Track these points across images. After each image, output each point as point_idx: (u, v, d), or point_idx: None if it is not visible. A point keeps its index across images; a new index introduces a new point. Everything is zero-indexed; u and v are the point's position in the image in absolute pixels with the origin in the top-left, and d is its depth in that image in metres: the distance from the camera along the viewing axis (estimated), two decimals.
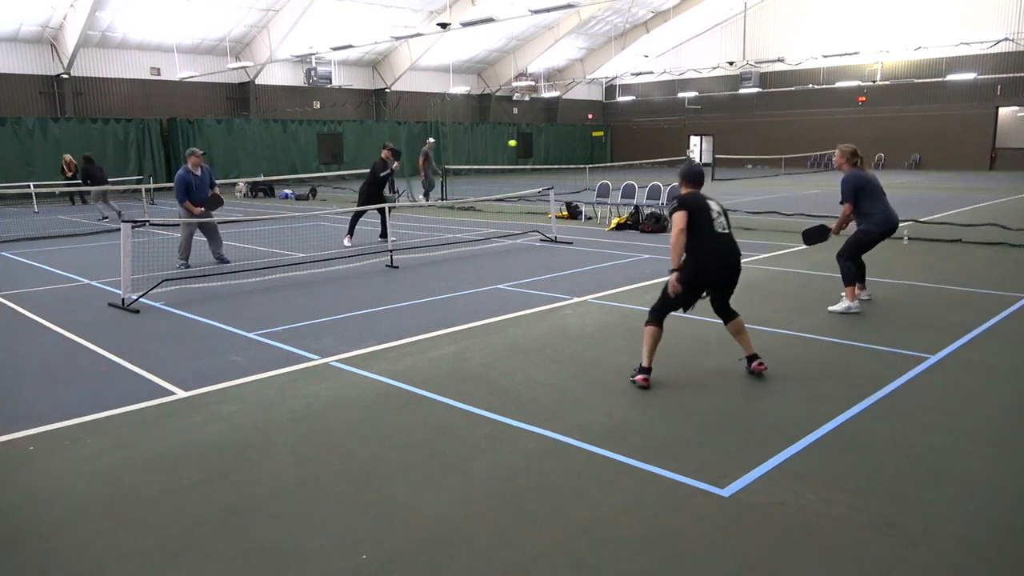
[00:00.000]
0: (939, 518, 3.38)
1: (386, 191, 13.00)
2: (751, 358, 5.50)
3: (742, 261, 5.53)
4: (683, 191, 5.59)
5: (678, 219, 5.30)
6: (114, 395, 5.19)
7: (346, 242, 12.53)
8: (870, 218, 7.17)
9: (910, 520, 3.36)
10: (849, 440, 4.24)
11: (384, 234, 12.79)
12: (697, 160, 41.07)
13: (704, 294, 5.56)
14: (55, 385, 5.45)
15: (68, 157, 22.39)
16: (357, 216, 12.82)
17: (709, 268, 5.40)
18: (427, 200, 20.74)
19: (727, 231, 5.47)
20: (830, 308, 7.23)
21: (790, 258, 10.57)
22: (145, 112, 30.23)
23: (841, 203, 7.21)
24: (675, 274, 5.24)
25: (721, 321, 5.65)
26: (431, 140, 22.81)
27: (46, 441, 4.42)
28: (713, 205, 5.47)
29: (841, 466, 3.90)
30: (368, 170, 13.20)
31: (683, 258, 5.30)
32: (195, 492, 3.75)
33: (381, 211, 12.09)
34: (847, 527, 3.30)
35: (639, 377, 5.32)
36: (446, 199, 21.17)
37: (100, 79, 29.84)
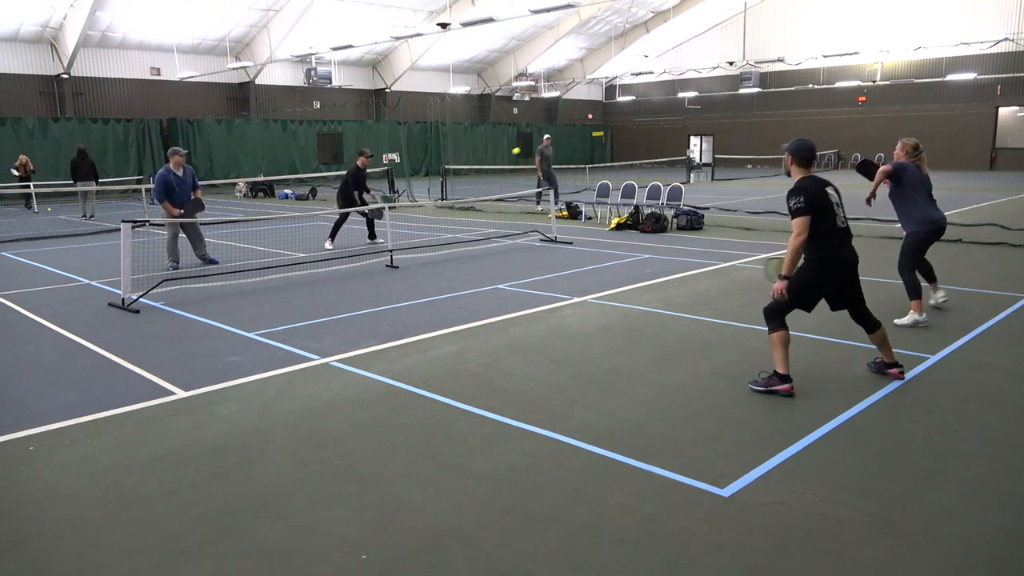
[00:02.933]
0: (939, 518, 3.38)
1: (368, 196, 12.86)
2: (892, 364, 5.18)
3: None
4: (797, 175, 4.92)
5: (801, 225, 4.70)
6: (114, 395, 5.19)
7: (327, 245, 12.47)
8: (911, 219, 6.94)
9: (910, 520, 3.36)
10: (849, 440, 4.24)
11: (372, 235, 12.84)
12: (697, 160, 41.06)
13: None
14: (55, 385, 5.45)
15: (24, 158, 21.32)
16: (341, 221, 12.81)
17: (835, 266, 4.89)
18: (537, 205, 18.00)
19: (847, 225, 4.95)
20: (896, 321, 6.74)
21: None
22: (145, 112, 30.24)
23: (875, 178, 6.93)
24: (783, 281, 4.83)
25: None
26: (548, 137, 19.74)
27: (46, 441, 4.42)
28: (832, 193, 4.88)
29: (841, 466, 3.90)
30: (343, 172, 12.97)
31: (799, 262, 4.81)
32: (195, 492, 3.75)
33: (363, 214, 12.65)
34: (847, 527, 3.30)
35: (782, 387, 4.93)
36: (446, 199, 21.15)
37: (100, 79, 29.86)
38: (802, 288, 4.92)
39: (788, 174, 5.10)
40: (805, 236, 4.76)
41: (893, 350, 5.31)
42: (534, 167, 19.10)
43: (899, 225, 7.23)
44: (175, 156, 10.41)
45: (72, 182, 19.23)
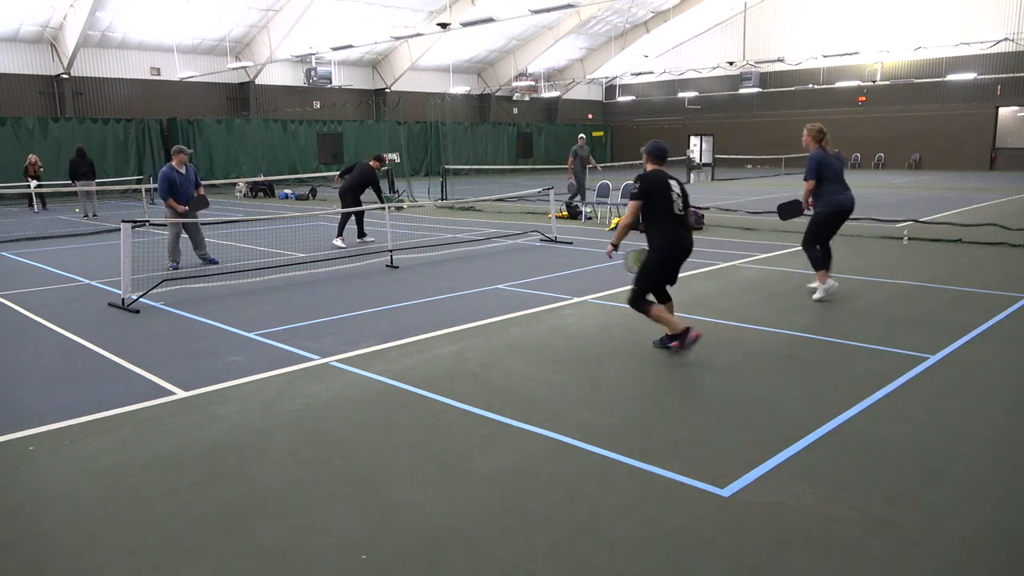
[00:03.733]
0: (939, 518, 3.38)
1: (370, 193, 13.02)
2: (685, 331, 5.75)
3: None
4: (648, 167, 5.88)
5: (633, 208, 5.75)
6: (114, 395, 5.19)
7: (339, 243, 12.56)
8: (818, 199, 7.44)
9: (910, 520, 3.36)
10: (849, 440, 4.24)
11: (362, 234, 13.03)
12: (697, 160, 41.08)
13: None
14: (55, 385, 5.45)
15: (33, 158, 21.26)
16: (347, 217, 12.88)
17: (676, 252, 5.82)
18: (575, 205, 16.70)
19: (683, 213, 5.83)
20: (814, 296, 7.55)
21: (790, 258, 10.56)
22: (145, 112, 30.23)
23: (804, 180, 7.56)
24: (612, 247, 5.91)
25: (673, 310, 6.05)
26: (583, 137, 18.75)
27: (46, 441, 4.42)
28: (674, 185, 5.79)
29: (841, 466, 3.90)
30: (348, 171, 13.05)
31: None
32: (195, 492, 3.75)
33: (359, 214, 12.84)
34: (847, 527, 3.30)
35: (693, 334, 5.65)
36: (446, 199, 21.15)
37: (100, 79, 29.85)
38: (655, 266, 5.83)
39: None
40: (635, 216, 5.76)
41: (891, 349, 5.31)
42: (534, 167, 18.99)
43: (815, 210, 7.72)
44: (179, 154, 10.44)
45: (71, 182, 19.30)
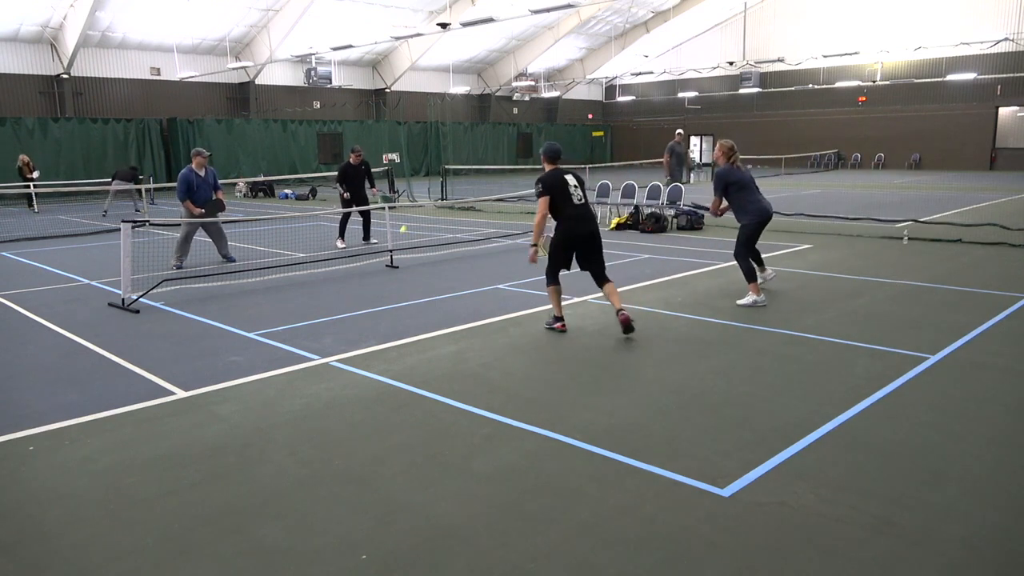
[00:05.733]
0: (939, 518, 3.38)
1: (370, 192, 13.00)
2: (619, 310, 6.46)
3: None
4: (546, 167, 6.63)
5: (542, 204, 6.48)
6: (114, 395, 5.19)
7: (340, 244, 12.57)
8: (745, 212, 7.83)
9: (910, 520, 3.36)
10: (849, 440, 4.24)
11: (367, 236, 13.00)
12: (696, 159, 41.05)
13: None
14: (55, 385, 5.45)
15: (25, 158, 21.49)
16: (347, 218, 12.89)
17: (574, 235, 6.53)
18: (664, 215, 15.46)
19: (583, 201, 6.58)
20: (738, 302, 7.69)
21: (790, 258, 10.56)
22: (145, 112, 30.23)
23: (714, 194, 7.99)
24: (533, 248, 6.63)
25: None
26: (680, 132, 17.28)
27: (46, 441, 4.42)
28: (570, 179, 6.60)
29: (841, 466, 3.90)
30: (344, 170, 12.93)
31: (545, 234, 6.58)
32: (195, 492, 3.75)
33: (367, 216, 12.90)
34: (847, 527, 3.30)
35: (558, 325, 6.67)
36: (446, 199, 21.15)
37: (100, 79, 29.84)
38: (555, 249, 6.65)
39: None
40: (544, 213, 6.48)
41: (891, 349, 5.31)
42: (534, 167, 18.82)
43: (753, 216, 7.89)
44: (197, 157, 10.59)
45: (108, 180, 20.33)
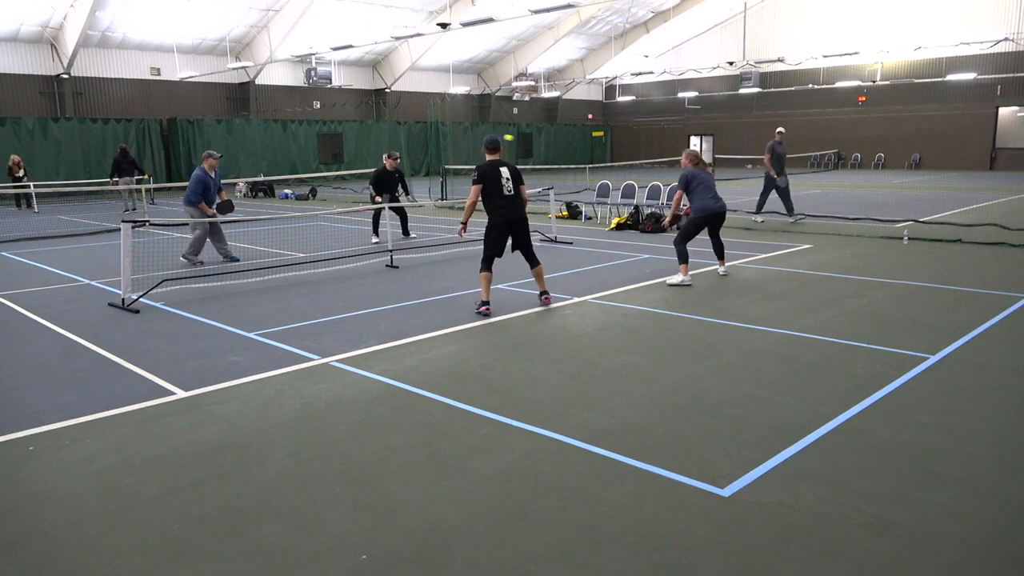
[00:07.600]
0: (939, 518, 3.38)
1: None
2: (543, 293, 7.60)
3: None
4: (487, 157, 7.40)
5: (474, 191, 7.32)
6: (114, 395, 5.19)
7: (376, 240, 12.87)
8: (693, 206, 9.12)
9: (910, 520, 3.36)
10: (849, 440, 4.24)
11: (406, 231, 13.54)
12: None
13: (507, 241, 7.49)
14: (55, 385, 5.45)
15: (16, 158, 21.49)
16: (380, 214, 13.09)
17: (501, 220, 7.34)
18: (791, 216, 14.93)
19: (512, 193, 7.35)
20: (667, 281, 8.79)
21: (790, 258, 10.56)
22: (145, 112, 30.23)
23: (677, 189, 9.30)
24: (462, 225, 7.52)
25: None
26: (781, 131, 15.50)
27: (46, 441, 4.42)
28: (504, 171, 7.33)
29: (841, 466, 3.90)
30: (373, 171, 13.49)
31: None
32: (195, 492, 3.75)
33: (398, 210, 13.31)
34: (847, 527, 3.30)
35: (483, 308, 7.24)
36: (446, 199, 21.14)
37: (100, 79, 29.83)
38: (488, 235, 7.43)
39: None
40: (475, 200, 7.36)
41: (891, 349, 5.31)
42: (534, 167, 18.87)
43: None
44: (209, 159, 10.80)
45: (114, 179, 20.57)
